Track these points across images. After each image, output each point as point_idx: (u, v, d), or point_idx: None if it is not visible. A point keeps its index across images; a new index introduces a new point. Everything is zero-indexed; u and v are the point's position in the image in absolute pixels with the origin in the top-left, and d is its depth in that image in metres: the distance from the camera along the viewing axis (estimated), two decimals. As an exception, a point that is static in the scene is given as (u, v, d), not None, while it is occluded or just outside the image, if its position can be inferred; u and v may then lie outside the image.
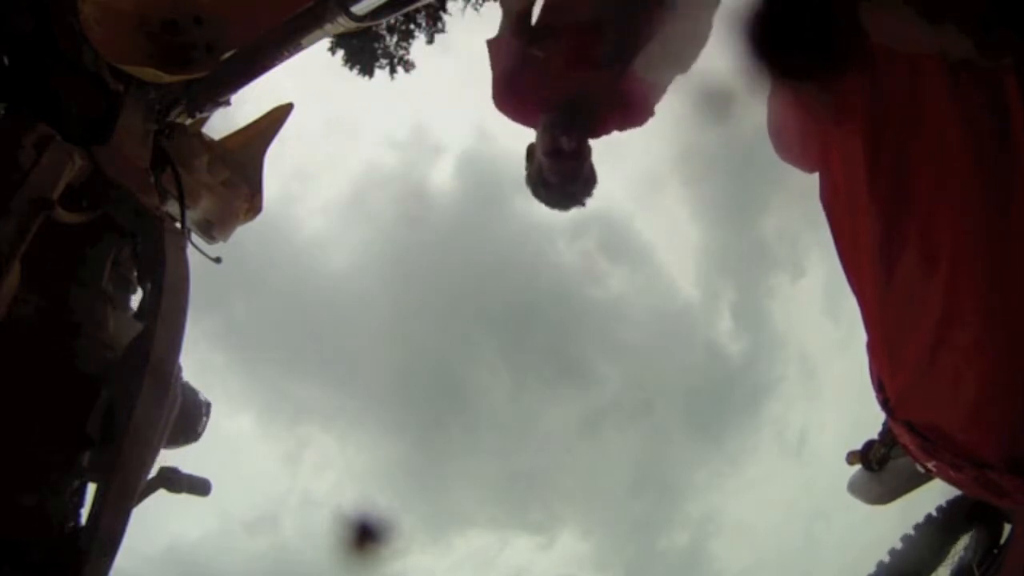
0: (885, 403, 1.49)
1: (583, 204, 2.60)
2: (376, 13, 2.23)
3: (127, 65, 1.97)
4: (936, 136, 1.32)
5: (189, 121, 2.31)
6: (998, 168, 1.26)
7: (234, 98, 2.46)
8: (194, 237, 2.36)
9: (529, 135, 2.57)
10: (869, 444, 2.46)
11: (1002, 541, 2.29)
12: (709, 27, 2.31)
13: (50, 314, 1.75)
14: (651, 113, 2.52)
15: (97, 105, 1.96)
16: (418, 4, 2.49)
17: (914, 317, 1.35)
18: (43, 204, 1.65)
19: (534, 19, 2.47)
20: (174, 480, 2.33)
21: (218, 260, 2.41)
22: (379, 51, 9.15)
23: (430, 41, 9.46)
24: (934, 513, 2.44)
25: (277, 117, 2.64)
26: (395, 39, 9.22)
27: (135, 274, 1.97)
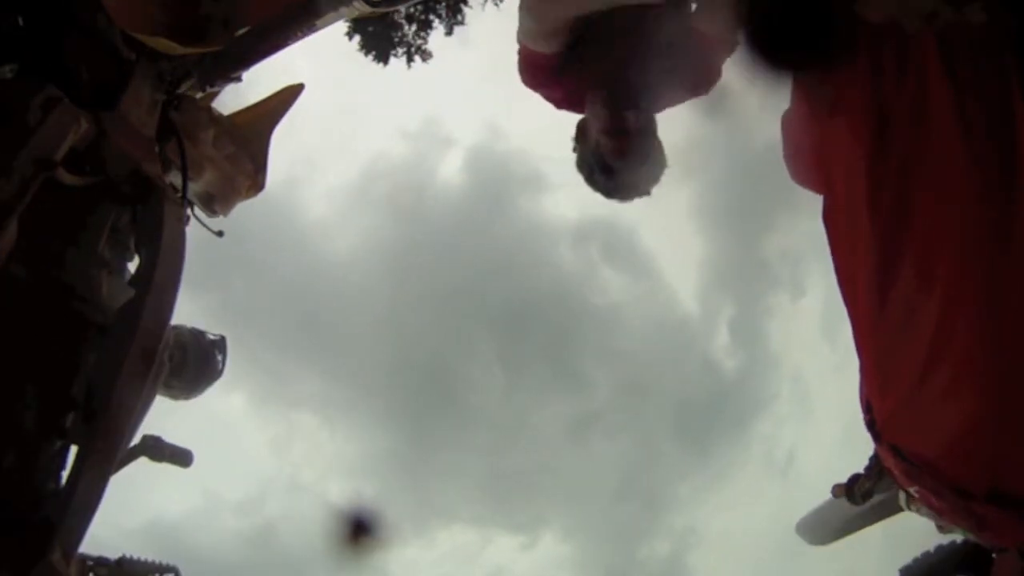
0: (872, 425, 1.48)
1: (648, 192, 2.24)
2: (391, 0, 2.23)
3: (140, 34, 1.96)
4: (939, 154, 1.32)
5: (199, 95, 2.31)
6: (1001, 191, 1.26)
7: (247, 77, 2.46)
8: (197, 211, 2.36)
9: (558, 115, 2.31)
10: (855, 477, 2.44)
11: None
12: None
13: (44, 274, 1.76)
14: (719, 75, 2.18)
15: (107, 71, 1.96)
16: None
17: (906, 340, 1.35)
18: (46, 164, 1.66)
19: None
20: (156, 449, 2.35)
21: (220, 234, 2.42)
22: (396, 39, 9.16)
23: (449, 32, 9.48)
24: (921, 556, 2.43)
25: (287, 97, 2.64)
26: (413, 28, 9.23)
27: (132, 241, 1.97)
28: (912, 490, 1.51)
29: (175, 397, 2.62)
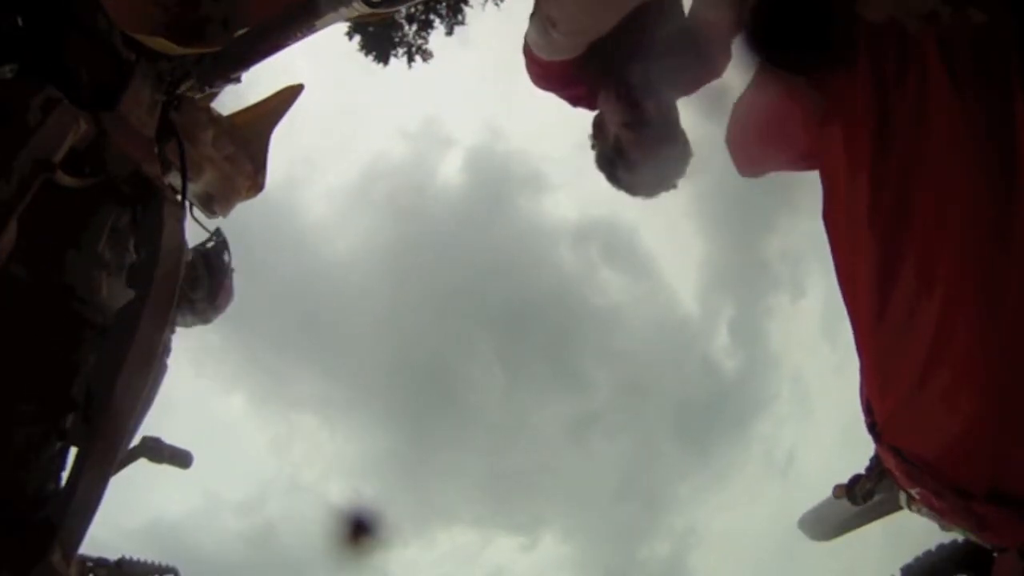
0: (873, 426, 1.48)
1: (674, 185, 2.13)
2: (392, 0, 2.23)
3: (140, 34, 1.96)
4: (939, 154, 1.32)
5: (199, 96, 2.31)
6: (1001, 191, 1.26)
7: (247, 77, 2.46)
8: (196, 213, 2.36)
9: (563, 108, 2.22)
10: (856, 478, 2.44)
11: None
12: None
13: (43, 275, 1.76)
14: (729, 56, 2.02)
15: (107, 72, 1.96)
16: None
17: (907, 341, 1.35)
18: (45, 165, 1.66)
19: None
20: (156, 450, 2.35)
21: (217, 233, 2.43)
22: (396, 39, 9.16)
23: (449, 33, 9.47)
24: (922, 555, 2.44)
25: (287, 97, 2.64)
26: (414, 28, 9.23)
27: (132, 242, 1.97)
28: (913, 491, 1.51)
29: (202, 314, 2.61)
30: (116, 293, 1.89)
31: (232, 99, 2.48)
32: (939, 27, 1.38)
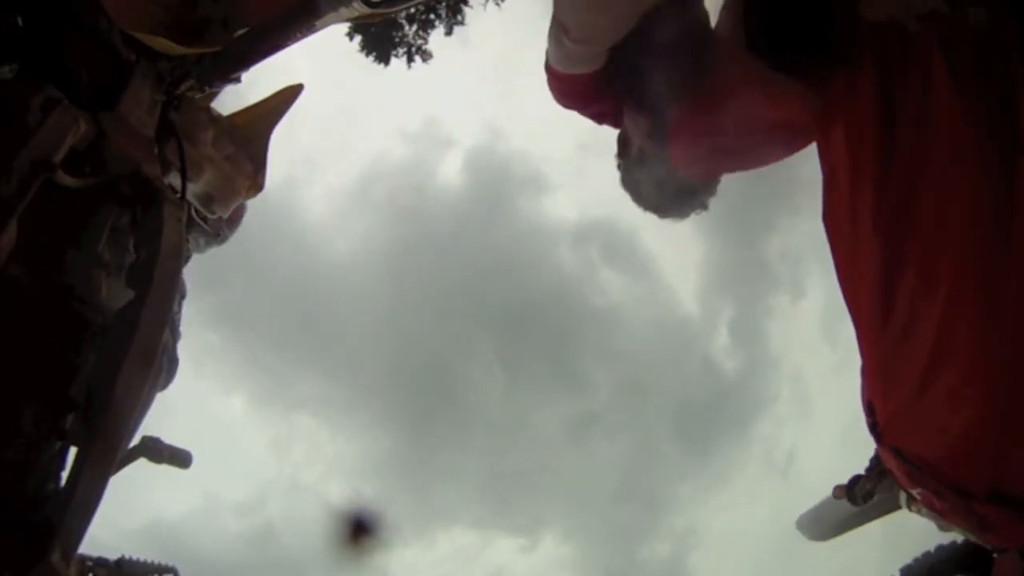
0: (874, 427, 1.48)
1: (705, 206, 2.08)
2: (391, 1, 2.22)
3: (139, 33, 1.96)
4: (942, 155, 1.33)
5: (199, 95, 2.31)
6: (1003, 191, 1.26)
7: (246, 78, 2.46)
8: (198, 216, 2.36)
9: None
10: (856, 479, 2.46)
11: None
12: None
13: (43, 275, 1.76)
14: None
15: (107, 72, 1.96)
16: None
17: (909, 342, 1.35)
18: (45, 165, 1.66)
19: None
20: (155, 450, 2.35)
21: (219, 234, 2.43)
22: (397, 39, 9.16)
23: (448, 32, 9.47)
24: (921, 556, 2.44)
25: (287, 97, 2.64)
26: (414, 28, 9.23)
27: (132, 243, 1.98)
28: (915, 492, 1.51)
29: (215, 230, 2.59)
30: (116, 293, 1.88)
31: (232, 99, 2.49)
32: (939, 27, 1.38)
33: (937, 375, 1.30)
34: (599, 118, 2.17)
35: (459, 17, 9.23)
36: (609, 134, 2.18)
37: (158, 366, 1.91)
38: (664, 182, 1.99)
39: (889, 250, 1.36)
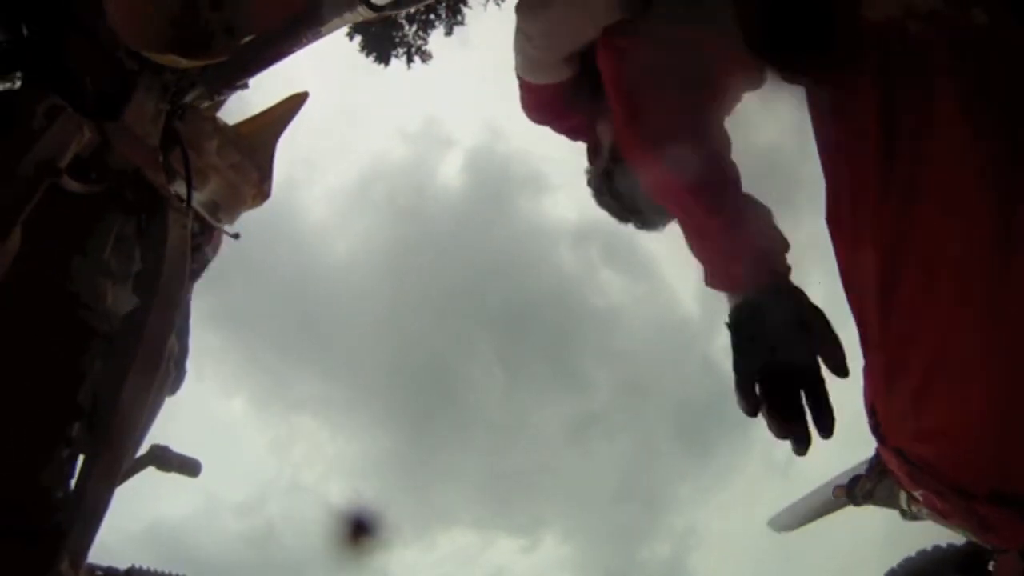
0: (876, 428, 1.48)
1: None
2: (395, 3, 2.23)
3: (147, 51, 1.98)
4: (944, 157, 1.32)
5: (204, 104, 2.32)
6: (1005, 192, 1.26)
7: (252, 82, 2.46)
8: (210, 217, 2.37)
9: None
10: (856, 479, 2.48)
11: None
12: None
13: (49, 281, 1.78)
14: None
15: (111, 83, 1.98)
16: None
17: (911, 343, 1.35)
18: (50, 170, 1.68)
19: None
20: (164, 459, 2.37)
21: (236, 236, 2.46)
22: (397, 39, 9.15)
23: (448, 33, 9.46)
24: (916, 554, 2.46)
25: (292, 105, 2.65)
26: (414, 28, 9.22)
27: (137, 251, 1.99)
28: (916, 493, 1.51)
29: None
30: (122, 301, 1.90)
31: (235, 104, 2.50)
32: (940, 27, 1.38)
33: (938, 376, 1.30)
34: (572, 134, 2.17)
35: (459, 17, 9.23)
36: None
37: (164, 373, 1.93)
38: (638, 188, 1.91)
39: (891, 252, 1.36)
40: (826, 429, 1.45)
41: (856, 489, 2.48)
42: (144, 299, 1.82)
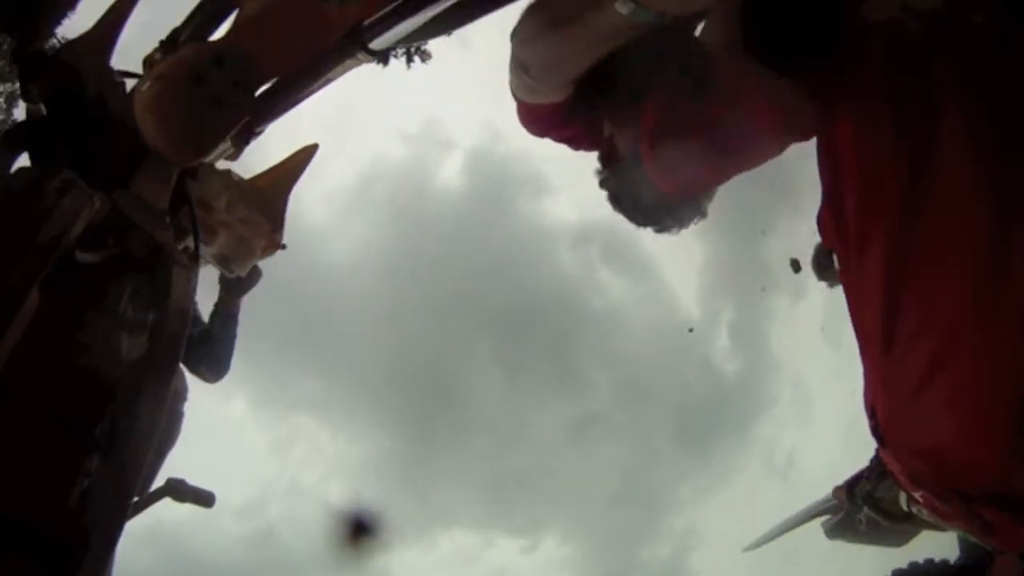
0: (876, 430, 1.45)
1: (703, 213, 1.92)
2: (391, 47, 2.27)
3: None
4: (946, 158, 1.30)
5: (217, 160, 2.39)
6: (1005, 191, 1.25)
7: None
8: None
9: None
10: (856, 479, 2.45)
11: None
12: None
13: (67, 334, 1.95)
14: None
15: (122, 157, 2.09)
16: (429, 38, 2.46)
17: (911, 346, 1.34)
18: (63, 244, 1.83)
19: None
20: (179, 490, 2.48)
21: (283, 247, 2.61)
22: (397, 39, 9.01)
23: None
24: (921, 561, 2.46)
25: (303, 157, 2.76)
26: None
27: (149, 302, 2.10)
28: (916, 494, 1.52)
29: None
30: (137, 347, 2.05)
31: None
32: (941, 27, 1.38)
33: (939, 378, 1.29)
34: (573, 143, 2.11)
35: (459, 17, 9.06)
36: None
37: (169, 411, 2.03)
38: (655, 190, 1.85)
39: (892, 252, 1.34)
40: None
41: (856, 490, 2.47)
42: (151, 347, 1.99)
